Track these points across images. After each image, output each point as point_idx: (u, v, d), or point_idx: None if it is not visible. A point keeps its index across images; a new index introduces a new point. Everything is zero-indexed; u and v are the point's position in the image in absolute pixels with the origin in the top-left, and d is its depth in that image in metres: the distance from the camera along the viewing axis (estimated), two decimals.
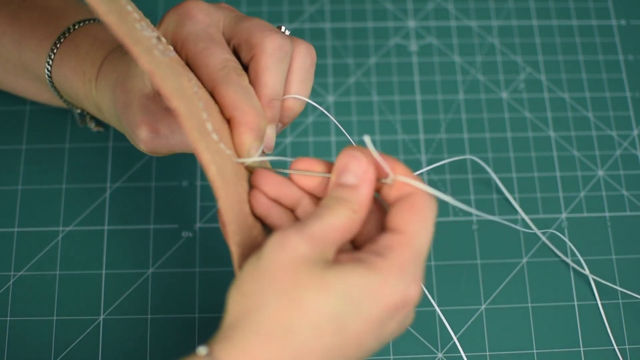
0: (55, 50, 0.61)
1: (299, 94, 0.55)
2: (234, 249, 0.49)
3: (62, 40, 0.61)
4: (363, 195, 0.47)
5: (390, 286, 0.44)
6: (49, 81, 0.62)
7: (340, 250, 0.48)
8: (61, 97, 0.64)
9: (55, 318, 0.65)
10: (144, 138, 0.55)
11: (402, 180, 0.47)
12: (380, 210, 0.50)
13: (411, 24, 0.78)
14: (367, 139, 0.47)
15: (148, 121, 0.55)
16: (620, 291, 0.67)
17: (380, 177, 0.48)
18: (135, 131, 0.55)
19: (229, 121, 0.52)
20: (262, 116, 0.52)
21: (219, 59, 0.53)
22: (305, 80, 0.55)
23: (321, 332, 0.43)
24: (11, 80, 0.66)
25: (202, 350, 0.43)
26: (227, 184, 0.49)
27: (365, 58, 0.76)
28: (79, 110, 0.66)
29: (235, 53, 0.55)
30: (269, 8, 0.77)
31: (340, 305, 0.43)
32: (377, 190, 0.49)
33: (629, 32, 0.78)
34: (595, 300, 0.67)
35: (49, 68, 0.61)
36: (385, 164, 0.47)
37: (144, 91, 0.55)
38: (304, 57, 0.55)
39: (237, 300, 0.44)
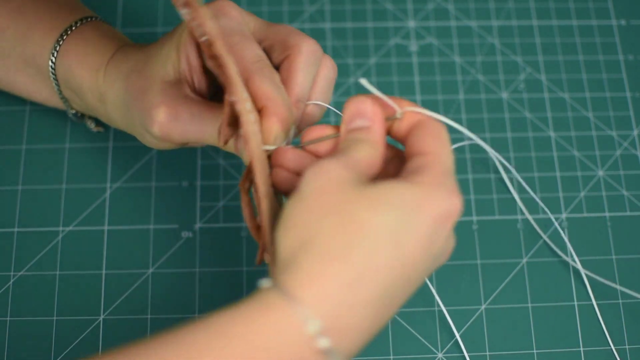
0: (61, 42, 0.62)
1: (317, 96, 0.57)
2: (266, 224, 0.50)
3: (69, 32, 0.62)
4: (377, 133, 0.48)
5: (435, 197, 0.45)
6: (52, 73, 0.62)
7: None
8: (60, 92, 0.64)
9: (55, 318, 0.65)
10: (161, 119, 0.56)
11: (410, 110, 0.49)
12: (400, 156, 0.51)
13: (411, 24, 0.78)
14: (363, 81, 0.48)
15: (168, 103, 0.56)
16: (620, 290, 0.67)
17: (388, 116, 0.49)
18: (152, 113, 0.56)
19: (259, 110, 0.53)
20: (291, 111, 0.53)
21: (253, 52, 0.54)
22: (327, 92, 0.57)
23: (380, 245, 0.43)
24: (11, 78, 0.66)
25: (265, 282, 0.43)
26: (261, 162, 0.51)
27: (365, 58, 0.76)
28: (73, 111, 0.66)
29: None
30: (269, 8, 0.77)
31: (393, 218, 0.43)
32: (389, 132, 0.50)
33: (629, 32, 0.78)
34: (595, 300, 0.67)
35: (53, 60, 0.62)
36: (390, 100, 0.49)
37: (165, 78, 0.56)
38: (329, 70, 0.57)
39: (288, 235, 0.44)
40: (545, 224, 0.70)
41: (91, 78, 0.60)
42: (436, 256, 0.46)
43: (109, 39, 0.62)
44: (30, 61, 0.63)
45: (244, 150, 0.55)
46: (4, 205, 0.68)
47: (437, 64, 0.76)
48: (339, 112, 0.58)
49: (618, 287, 0.67)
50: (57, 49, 0.62)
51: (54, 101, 0.66)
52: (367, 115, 0.49)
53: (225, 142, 0.55)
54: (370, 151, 0.47)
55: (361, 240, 0.43)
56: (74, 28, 0.62)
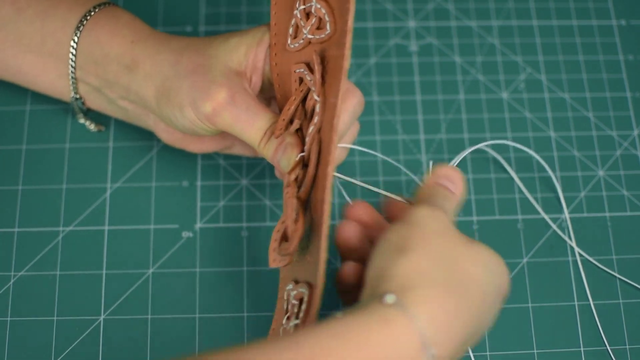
0: (88, 17, 0.64)
1: (345, 139, 0.61)
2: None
3: (96, 10, 0.64)
4: (458, 200, 0.55)
5: (504, 268, 0.54)
6: (73, 47, 0.64)
7: None
8: (73, 72, 0.65)
9: (55, 318, 0.65)
10: (220, 99, 0.59)
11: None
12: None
13: (411, 24, 0.78)
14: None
15: (230, 86, 0.59)
16: (620, 289, 0.67)
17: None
18: (211, 90, 0.59)
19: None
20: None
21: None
22: (351, 126, 0.61)
23: (476, 290, 0.51)
24: (19, 60, 0.66)
25: (389, 298, 0.48)
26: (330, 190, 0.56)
27: (365, 58, 0.76)
28: (77, 96, 0.66)
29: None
30: (269, 8, 0.77)
31: (485, 273, 0.52)
32: None
33: (629, 32, 0.78)
34: (597, 300, 0.67)
35: (78, 33, 0.64)
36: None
37: (228, 64, 0.60)
38: (357, 106, 0.60)
39: (404, 257, 0.49)
40: (545, 224, 0.70)
41: (123, 47, 0.63)
42: (492, 315, 0.54)
43: (140, 21, 0.65)
44: (49, 37, 0.65)
45: (283, 158, 0.58)
46: (4, 205, 0.68)
47: (437, 64, 0.76)
48: (369, 151, 0.60)
49: (617, 275, 0.67)
50: (84, 22, 0.64)
51: (58, 86, 0.66)
52: (457, 183, 0.55)
53: (278, 136, 0.58)
54: (453, 209, 0.55)
55: (467, 284, 0.50)
56: (102, 7, 0.65)
